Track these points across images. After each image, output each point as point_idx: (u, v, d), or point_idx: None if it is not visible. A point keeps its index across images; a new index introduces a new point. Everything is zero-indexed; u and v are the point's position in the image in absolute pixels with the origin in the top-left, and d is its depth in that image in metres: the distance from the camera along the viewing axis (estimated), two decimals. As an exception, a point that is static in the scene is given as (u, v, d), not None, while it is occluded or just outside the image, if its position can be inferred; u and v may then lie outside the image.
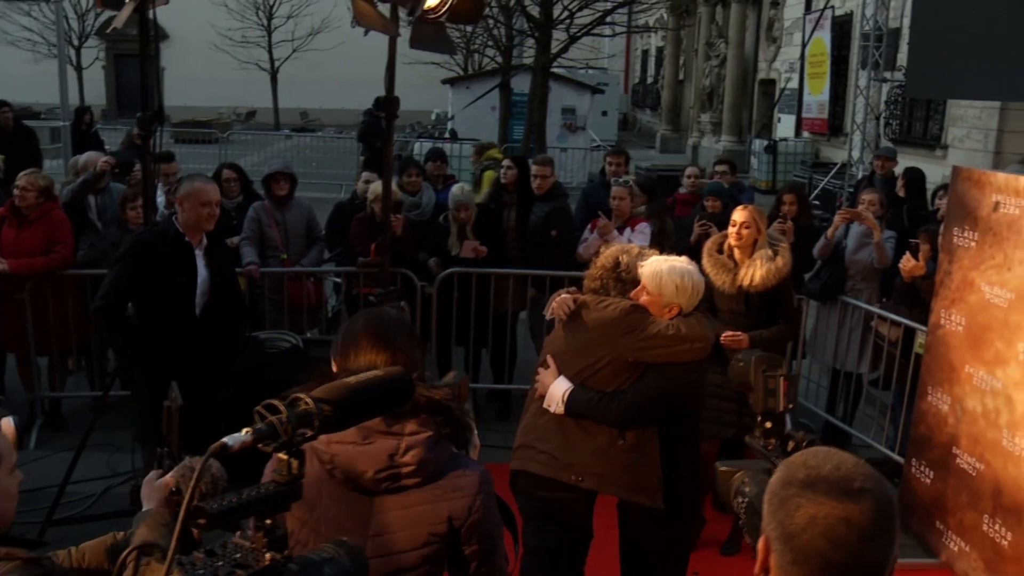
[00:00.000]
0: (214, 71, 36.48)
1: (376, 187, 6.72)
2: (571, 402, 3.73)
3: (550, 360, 3.87)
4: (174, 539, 1.36)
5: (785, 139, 21.90)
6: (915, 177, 9.03)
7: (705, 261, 5.24)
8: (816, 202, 15.75)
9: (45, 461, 6.00)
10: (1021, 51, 9.04)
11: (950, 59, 10.26)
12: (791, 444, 2.24)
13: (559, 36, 18.62)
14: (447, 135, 21.37)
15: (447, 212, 7.10)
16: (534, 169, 7.35)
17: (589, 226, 6.95)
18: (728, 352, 4.10)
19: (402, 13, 4.86)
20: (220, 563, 1.47)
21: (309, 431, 1.54)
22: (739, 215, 5.33)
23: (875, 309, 6.51)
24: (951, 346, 5.27)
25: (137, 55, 5.43)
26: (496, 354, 7.34)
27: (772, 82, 25.13)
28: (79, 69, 33.31)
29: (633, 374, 3.73)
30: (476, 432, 2.59)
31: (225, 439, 1.43)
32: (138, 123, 5.37)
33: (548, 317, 4.01)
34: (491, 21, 20.39)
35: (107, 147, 13.73)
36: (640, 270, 3.79)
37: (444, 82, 24.13)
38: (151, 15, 5.25)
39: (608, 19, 19.51)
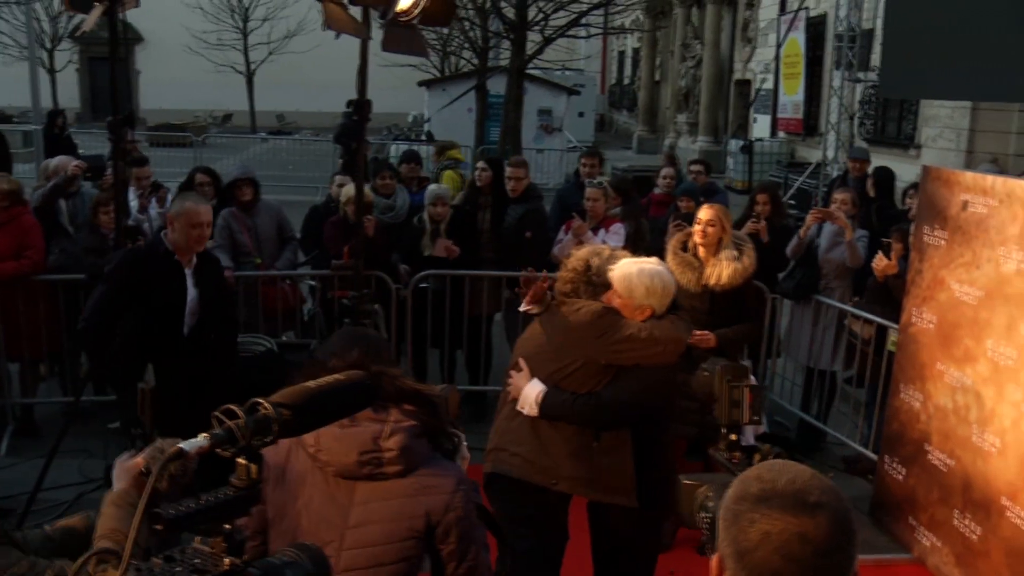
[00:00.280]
0: (190, 74, 36.14)
1: (348, 190, 6.69)
2: (546, 404, 3.71)
3: (522, 363, 3.86)
4: (129, 541, 1.35)
5: (761, 139, 22.03)
6: (884, 176, 9.08)
7: (669, 259, 5.24)
8: (792, 202, 15.88)
9: (17, 468, 5.94)
10: (992, 51, 9.13)
11: (922, 59, 10.34)
12: (757, 457, 2.20)
13: (534, 38, 18.64)
14: (424, 137, 21.31)
15: (421, 214, 7.09)
16: (508, 171, 7.33)
17: (564, 227, 6.95)
18: (694, 351, 4.10)
19: (375, 15, 4.85)
20: (178, 568, 1.46)
21: (268, 436, 1.54)
22: (705, 213, 5.35)
23: (848, 308, 6.56)
24: (922, 344, 5.32)
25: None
26: (471, 356, 7.33)
27: (748, 82, 25.28)
28: (52, 72, 32.99)
29: (606, 376, 3.72)
30: (465, 444, 2.60)
31: (181, 444, 1.43)
32: (109, 127, 5.30)
33: (523, 309, 4.00)
34: (467, 23, 20.38)
35: (80, 151, 13.63)
36: (610, 273, 3.78)
37: (420, 84, 24.09)
38: (121, 17, 5.20)
39: (583, 21, 19.55)
